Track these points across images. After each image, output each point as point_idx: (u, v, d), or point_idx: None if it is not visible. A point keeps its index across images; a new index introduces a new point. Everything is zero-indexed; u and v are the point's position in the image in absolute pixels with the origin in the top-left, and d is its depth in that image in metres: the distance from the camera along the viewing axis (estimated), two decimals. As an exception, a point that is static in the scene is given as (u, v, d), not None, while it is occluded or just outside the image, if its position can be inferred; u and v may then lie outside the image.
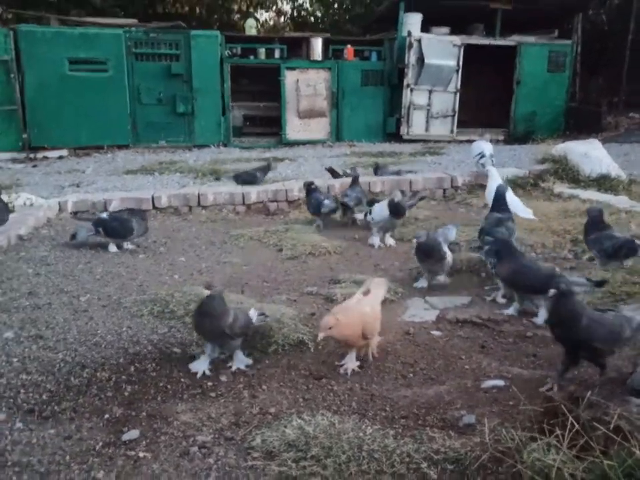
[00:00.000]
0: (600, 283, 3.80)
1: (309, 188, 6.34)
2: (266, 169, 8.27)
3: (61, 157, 11.71)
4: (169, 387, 3.11)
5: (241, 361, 3.36)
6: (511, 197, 5.84)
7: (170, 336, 3.70)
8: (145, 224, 5.61)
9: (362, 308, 3.31)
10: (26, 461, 2.45)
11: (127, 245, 5.56)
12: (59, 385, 3.07)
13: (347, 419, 2.76)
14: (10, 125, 11.54)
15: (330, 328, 3.11)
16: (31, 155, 11.59)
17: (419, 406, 2.92)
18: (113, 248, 5.49)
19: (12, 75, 11.33)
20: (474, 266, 4.96)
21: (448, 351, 3.55)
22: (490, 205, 5.64)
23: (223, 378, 3.23)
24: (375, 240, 5.77)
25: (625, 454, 1.96)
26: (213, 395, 3.07)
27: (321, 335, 3.12)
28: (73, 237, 5.50)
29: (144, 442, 2.63)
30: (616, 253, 4.70)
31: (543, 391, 2.87)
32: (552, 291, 2.95)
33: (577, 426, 2.02)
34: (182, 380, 3.19)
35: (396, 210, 5.61)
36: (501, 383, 3.11)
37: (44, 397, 2.95)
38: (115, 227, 5.40)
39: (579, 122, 13.76)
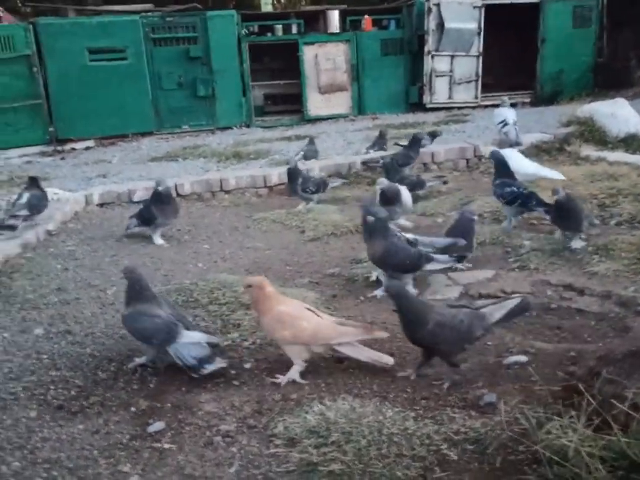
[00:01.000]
0: (460, 258, 4.01)
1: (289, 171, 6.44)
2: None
3: (87, 148, 11.89)
4: (192, 377, 3.17)
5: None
6: (527, 163, 5.77)
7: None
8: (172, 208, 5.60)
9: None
10: (55, 457, 2.53)
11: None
12: (86, 379, 3.15)
13: (368, 403, 2.78)
14: (36, 119, 11.73)
15: (249, 286, 3.20)
16: (59, 148, 11.78)
17: (439, 386, 2.92)
18: (158, 240, 5.48)
19: (35, 69, 11.49)
20: (497, 238, 4.89)
21: (470, 328, 3.52)
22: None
23: (247, 365, 3.27)
24: None
25: (643, 431, 1.93)
26: (236, 383, 3.11)
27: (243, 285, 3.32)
28: (127, 227, 5.62)
29: (169, 433, 2.69)
30: (511, 202, 4.97)
31: (560, 368, 2.83)
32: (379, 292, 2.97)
33: (593, 404, 1.99)
34: (206, 369, 3.24)
35: (385, 199, 5.19)
36: (523, 358, 3.08)
37: (73, 392, 3.04)
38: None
39: (608, 78, 13.34)
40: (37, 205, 5.56)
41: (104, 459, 2.53)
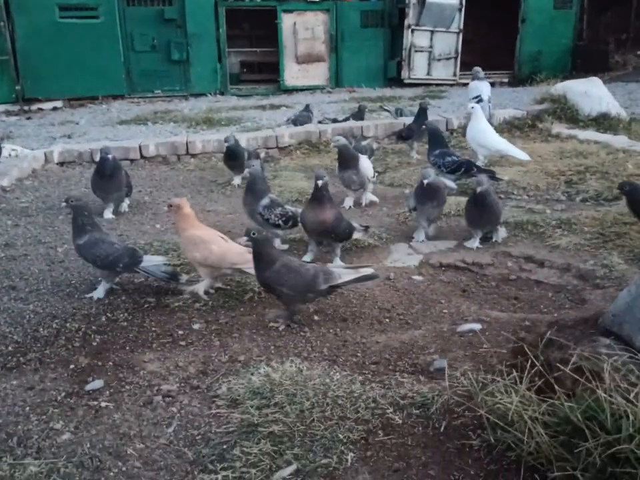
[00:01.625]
0: (366, 228, 4.04)
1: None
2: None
3: (55, 109, 11.54)
4: (138, 336, 3.06)
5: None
6: (498, 138, 5.70)
7: (146, 285, 3.64)
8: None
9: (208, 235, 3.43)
10: (-17, 412, 2.42)
11: None
12: (26, 336, 3.03)
13: (316, 366, 2.71)
14: (2, 76, 11.32)
15: (171, 206, 3.44)
16: (25, 107, 11.40)
17: (391, 351, 2.86)
18: (107, 214, 4.97)
19: (1, 24, 11.05)
20: (462, 210, 4.82)
21: (427, 296, 3.47)
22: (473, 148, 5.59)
23: (196, 326, 3.17)
24: (347, 201, 5.20)
25: (587, 395, 1.88)
26: (183, 343, 3.01)
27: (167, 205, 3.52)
28: None
29: (107, 392, 2.59)
30: (454, 170, 5.22)
31: (513, 335, 2.78)
32: (244, 239, 3.07)
33: (537, 366, 1.93)
34: (153, 329, 3.14)
35: (341, 159, 4.94)
36: (477, 326, 3.03)
37: (10, 348, 2.92)
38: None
39: (586, 61, 13.31)
40: None
41: (36, 415, 2.43)
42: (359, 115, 8.07)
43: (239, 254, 3.36)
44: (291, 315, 3.17)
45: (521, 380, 1.98)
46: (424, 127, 6.07)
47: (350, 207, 5.13)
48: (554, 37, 13.53)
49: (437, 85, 13.05)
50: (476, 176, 4.87)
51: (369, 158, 5.61)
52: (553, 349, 2.19)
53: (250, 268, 3.21)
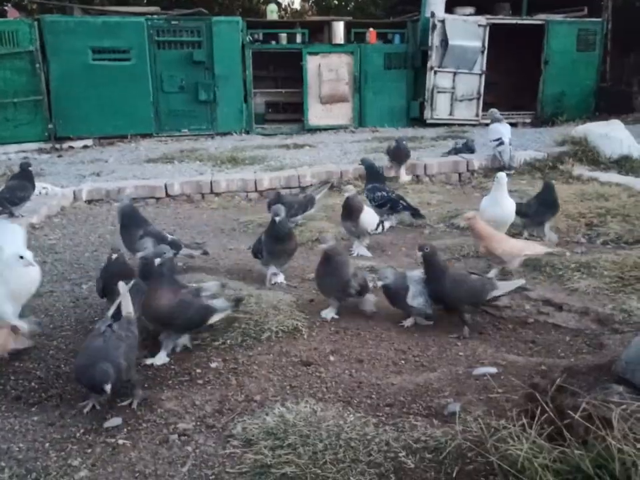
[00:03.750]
0: (238, 300, 3.53)
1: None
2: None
3: (85, 147, 11.86)
4: (157, 374, 3.12)
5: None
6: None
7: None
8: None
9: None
10: (5, 448, 2.48)
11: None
12: (49, 372, 3.11)
13: (331, 407, 2.73)
14: (36, 116, 11.70)
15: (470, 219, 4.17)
16: (57, 145, 11.74)
17: (405, 393, 2.87)
18: None
19: (37, 65, 11.48)
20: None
21: (444, 338, 3.48)
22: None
23: (213, 365, 3.22)
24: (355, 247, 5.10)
25: (597, 443, 1.88)
26: (200, 382, 3.06)
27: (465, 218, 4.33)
28: None
29: (125, 429, 2.64)
30: (381, 206, 5.42)
31: (527, 380, 2.78)
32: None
33: (547, 413, 1.94)
34: (171, 367, 3.19)
35: (344, 210, 4.92)
36: (492, 370, 3.03)
37: (33, 384, 2.99)
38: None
39: (609, 102, 13.33)
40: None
41: (55, 451, 2.48)
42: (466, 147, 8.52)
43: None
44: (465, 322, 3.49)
45: (530, 425, 1.99)
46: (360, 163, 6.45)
47: (358, 254, 5.00)
48: (577, 79, 13.59)
49: (460, 124, 13.15)
50: (402, 212, 5.45)
51: (305, 211, 5.60)
52: (565, 395, 2.19)
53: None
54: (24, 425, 2.66)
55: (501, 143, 7.57)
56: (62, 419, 2.71)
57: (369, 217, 4.98)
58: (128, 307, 2.98)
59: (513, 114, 13.54)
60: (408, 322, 3.67)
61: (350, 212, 4.88)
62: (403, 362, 3.21)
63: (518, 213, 4.95)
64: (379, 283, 3.59)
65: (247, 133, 12.97)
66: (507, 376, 2.94)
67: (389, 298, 3.68)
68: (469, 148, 8.49)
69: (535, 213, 5.04)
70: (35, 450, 2.48)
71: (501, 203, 4.79)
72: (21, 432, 2.61)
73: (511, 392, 2.67)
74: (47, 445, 2.52)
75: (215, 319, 3.37)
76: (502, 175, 4.83)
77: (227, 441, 2.55)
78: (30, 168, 5.84)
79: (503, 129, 7.72)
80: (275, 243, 4.22)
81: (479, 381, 2.96)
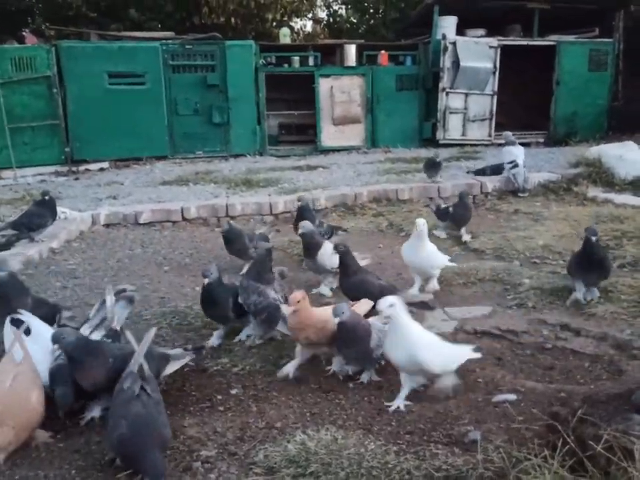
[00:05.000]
0: (199, 349, 3.45)
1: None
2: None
3: (101, 169, 12.02)
4: (178, 400, 3.16)
5: None
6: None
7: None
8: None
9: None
10: (33, 475, 2.52)
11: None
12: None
13: (351, 434, 2.75)
14: (53, 139, 11.89)
15: (298, 302, 3.21)
16: (73, 168, 11.90)
17: (425, 421, 2.89)
18: None
19: (54, 90, 11.68)
20: (497, 275, 4.87)
21: (462, 364, 3.48)
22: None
23: (233, 391, 3.25)
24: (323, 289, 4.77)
25: (620, 474, 1.89)
26: (221, 408, 3.09)
27: (289, 309, 3.25)
28: None
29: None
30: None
31: (548, 408, 2.78)
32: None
33: (569, 444, 1.95)
34: (192, 394, 3.24)
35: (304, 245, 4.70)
36: (512, 397, 3.04)
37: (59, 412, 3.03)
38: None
39: (622, 122, 13.32)
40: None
41: (80, 478, 2.52)
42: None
43: None
44: None
45: (552, 457, 2.00)
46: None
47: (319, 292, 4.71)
48: (589, 98, 13.63)
49: (472, 145, 13.21)
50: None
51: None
52: (586, 425, 2.20)
53: None
54: (51, 451, 2.71)
55: (515, 166, 7.61)
56: (87, 445, 2.75)
57: (328, 252, 4.46)
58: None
59: (525, 134, 13.57)
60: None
61: (307, 248, 4.65)
62: (422, 389, 3.23)
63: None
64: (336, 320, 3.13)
65: (260, 154, 13.09)
66: (527, 403, 2.96)
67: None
68: (498, 170, 8.28)
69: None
70: (62, 477, 2.52)
71: (420, 249, 4.53)
72: (48, 459, 2.65)
73: (531, 420, 2.68)
74: (73, 471, 2.56)
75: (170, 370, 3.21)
76: (421, 222, 4.52)
77: (250, 468, 2.58)
78: (47, 197, 5.93)
79: (516, 152, 7.77)
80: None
81: (498, 408, 2.97)
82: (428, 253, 4.60)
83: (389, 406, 3.04)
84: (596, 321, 3.93)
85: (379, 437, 2.75)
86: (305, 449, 2.60)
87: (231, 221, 5.82)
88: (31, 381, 2.78)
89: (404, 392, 3.08)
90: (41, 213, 5.78)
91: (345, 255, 4.05)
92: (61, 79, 11.73)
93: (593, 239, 4.15)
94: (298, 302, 3.22)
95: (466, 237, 5.98)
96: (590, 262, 4.19)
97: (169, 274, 5.29)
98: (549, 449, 2.11)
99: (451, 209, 6.10)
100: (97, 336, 3.27)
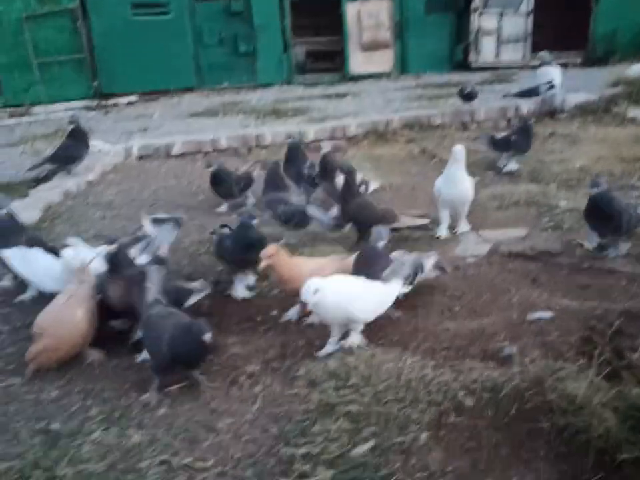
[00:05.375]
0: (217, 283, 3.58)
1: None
2: None
3: (130, 103, 12.01)
4: (221, 322, 3.27)
5: None
6: None
7: (226, 274, 3.85)
8: None
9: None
10: (91, 387, 2.69)
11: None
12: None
13: (389, 351, 2.84)
14: (80, 74, 11.88)
15: (270, 256, 3.15)
16: (102, 102, 11.93)
17: (461, 338, 2.96)
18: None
19: (78, 23, 11.59)
20: (532, 198, 4.83)
21: (497, 285, 3.52)
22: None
23: (273, 313, 3.36)
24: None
25: (656, 383, 1.94)
26: (262, 328, 3.21)
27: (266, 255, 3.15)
28: None
29: (199, 372, 2.79)
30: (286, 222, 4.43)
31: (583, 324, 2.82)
32: None
33: (605, 354, 2.01)
34: (234, 316, 3.35)
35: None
36: (547, 314, 3.08)
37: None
38: None
39: (665, 39, 12.73)
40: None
41: (135, 392, 2.68)
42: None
43: None
44: None
45: (588, 366, 2.06)
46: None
47: None
48: (630, 16, 12.96)
49: (506, 68, 12.78)
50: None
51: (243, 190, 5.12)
52: (624, 337, 2.24)
53: None
54: (103, 368, 2.87)
55: (552, 87, 7.38)
56: (137, 364, 2.90)
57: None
58: None
59: (562, 54, 13.05)
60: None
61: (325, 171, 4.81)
62: (457, 308, 3.29)
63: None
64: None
65: (288, 83, 12.89)
66: (562, 320, 2.99)
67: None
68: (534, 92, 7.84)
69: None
70: (116, 390, 2.68)
71: (458, 181, 4.22)
72: (102, 375, 2.81)
73: (567, 335, 2.73)
74: (127, 386, 2.71)
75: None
76: (458, 149, 4.21)
77: (292, 382, 2.70)
78: (73, 126, 5.98)
79: (553, 72, 7.51)
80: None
81: (533, 325, 3.01)
82: (467, 186, 4.26)
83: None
84: (634, 240, 3.89)
85: (415, 354, 2.83)
86: (344, 364, 2.70)
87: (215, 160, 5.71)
88: (80, 302, 2.92)
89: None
90: (75, 145, 5.86)
91: (349, 175, 4.16)
92: (84, 11, 11.60)
93: (594, 191, 3.62)
94: (270, 256, 3.16)
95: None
96: (598, 216, 3.69)
97: (204, 203, 5.37)
98: (584, 359, 2.16)
99: (514, 136, 5.64)
100: (143, 261, 3.37)
